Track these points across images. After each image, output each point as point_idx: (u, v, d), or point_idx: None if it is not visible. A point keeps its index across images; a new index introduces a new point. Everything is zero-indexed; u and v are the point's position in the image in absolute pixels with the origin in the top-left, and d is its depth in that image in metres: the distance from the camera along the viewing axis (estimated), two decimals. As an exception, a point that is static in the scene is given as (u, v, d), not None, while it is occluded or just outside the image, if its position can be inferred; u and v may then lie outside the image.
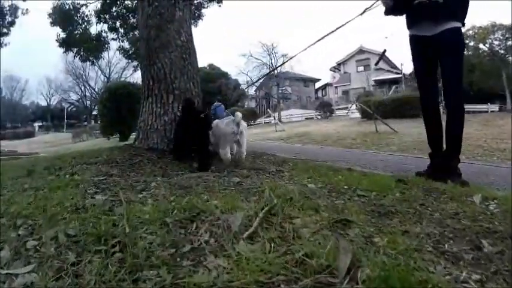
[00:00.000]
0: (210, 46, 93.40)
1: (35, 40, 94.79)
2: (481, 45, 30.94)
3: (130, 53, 14.82)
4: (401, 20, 4.13)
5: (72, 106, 73.04)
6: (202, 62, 71.70)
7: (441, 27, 3.65)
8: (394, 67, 43.70)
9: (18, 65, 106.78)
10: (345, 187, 2.77)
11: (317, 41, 4.46)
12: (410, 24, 4.04)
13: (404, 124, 16.86)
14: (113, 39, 14.30)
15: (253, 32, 72.34)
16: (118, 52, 15.88)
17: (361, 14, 4.12)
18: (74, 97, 71.56)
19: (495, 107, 30.50)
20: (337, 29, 4.27)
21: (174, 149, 4.49)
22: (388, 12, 4.12)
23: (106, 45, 14.59)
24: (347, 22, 4.24)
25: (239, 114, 4.23)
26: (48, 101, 78.39)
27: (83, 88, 67.97)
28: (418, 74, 4.15)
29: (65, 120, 67.01)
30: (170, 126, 4.91)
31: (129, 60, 17.74)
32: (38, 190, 2.68)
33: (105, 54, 17.65)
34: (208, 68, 52.01)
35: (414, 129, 14.43)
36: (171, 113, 4.98)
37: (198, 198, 2.21)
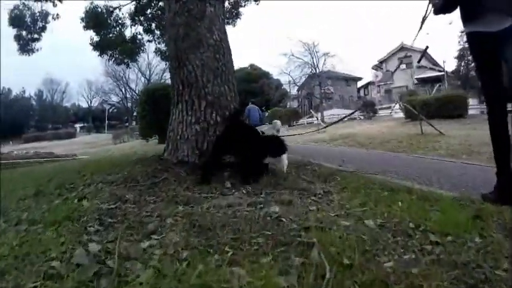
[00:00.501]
0: (251, 46, 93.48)
1: (68, 44, 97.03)
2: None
3: (167, 54, 14.43)
4: (443, 16, 3.58)
5: (113, 108, 74.66)
6: (243, 62, 72.29)
7: (508, 22, 2.96)
8: (436, 64, 41.89)
9: (59, 68, 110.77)
10: (411, 225, 2.27)
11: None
12: (468, 20, 3.32)
13: (449, 125, 16.14)
14: (148, 41, 14.21)
15: (294, 30, 71.55)
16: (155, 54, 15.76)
17: (421, 27, 4.19)
18: (114, 99, 73.24)
19: None
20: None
21: (205, 165, 3.87)
22: (437, 11, 3.62)
23: (142, 48, 14.45)
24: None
25: (278, 122, 3.80)
26: (89, 102, 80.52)
27: (123, 90, 69.27)
28: (483, 77, 3.38)
29: (106, 122, 68.52)
30: (202, 137, 4.41)
31: (167, 62, 17.42)
32: (33, 224, 2.29)
33: (144, 56, 17.57)
34: (249, 68, 51.83)
35: (460, 132, 14.13)
36: (203, 121, 4.47)
37: (215, 268, 1.60)
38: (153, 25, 13.45)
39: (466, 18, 3.35)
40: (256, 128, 4.67)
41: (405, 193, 3.21)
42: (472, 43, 3.40)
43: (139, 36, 13.65)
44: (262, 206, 2.65)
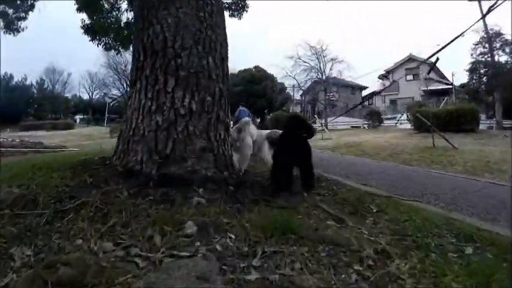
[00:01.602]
0: (256, 47, 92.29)
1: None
2: None
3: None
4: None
5: (114, 101, 73.44)
6: (248, 63, 71.21)
7: None
8: (444, 77, 41.32)
9: (65, 55, 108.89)
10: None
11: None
12: None
13: (460, 139, 15.43)
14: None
15: (302, 33, 70.48)
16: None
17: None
18: (114, 92, 71.97)
19: None
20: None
21: (275, 176, 3.47)
22: None
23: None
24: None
25: (244, 120, 4.18)
26: (90, 95, 79.22)
27: (124, 85, 68.13)
28: None
29: (106, 115, 67.25)
30: (165, 134, 3.07)
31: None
32: None
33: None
34: (254, 69, 50.98)
35: (473, 146, 13.83)
36: (169, 109, 3.12)
37: None
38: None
39: None
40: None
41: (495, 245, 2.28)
42: None
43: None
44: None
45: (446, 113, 19.74)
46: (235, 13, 12.88)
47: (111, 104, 72.63)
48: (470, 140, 16.05)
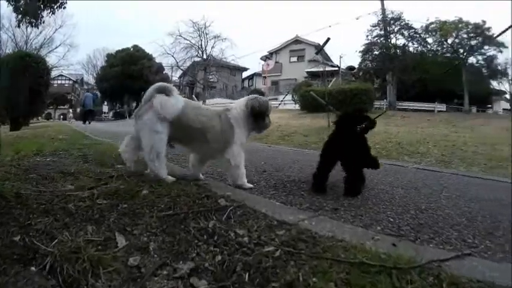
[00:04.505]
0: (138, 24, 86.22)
1: None
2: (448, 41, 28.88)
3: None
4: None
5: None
6: (127, 42, 65.57)
7: None
8: (329, 59, 41.33)
9: None
10: None
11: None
12: None
13: None
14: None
15: (187, 9, 65.67)
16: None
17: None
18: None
19: (442, 107, 29.65)
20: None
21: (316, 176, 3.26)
22: None
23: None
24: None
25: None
26: None
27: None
28: None
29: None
30: None
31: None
32: None
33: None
34: (132, 49, 49.51)
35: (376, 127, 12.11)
36: None
37: None
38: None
39: None
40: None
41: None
42: None
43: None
44: None
45: (339, 92, 19.21)
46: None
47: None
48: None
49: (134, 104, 47.70)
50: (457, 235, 2.32)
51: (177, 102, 2.97)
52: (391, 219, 2.57)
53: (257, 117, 3.21)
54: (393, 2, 53.58)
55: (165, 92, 2.99)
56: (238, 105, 3.28)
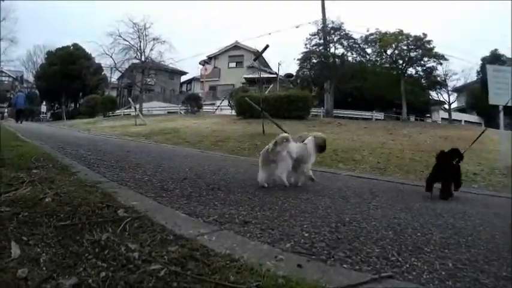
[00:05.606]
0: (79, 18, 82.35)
1: None
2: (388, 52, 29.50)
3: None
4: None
5: None
6: (66, 40, 62.21)
7: None
8: (267, 66, 41.78)
9: None
10: None
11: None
12: None
13: (292, 126, 13.94)
14: None
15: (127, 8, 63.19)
16: None
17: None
18: None
19: (380, 115, 30.21)
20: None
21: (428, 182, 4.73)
22: None
23: None
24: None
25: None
26: None
27: None
28: None
29: None
30: None
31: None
32: None
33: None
34: (72, 47, 47.21)
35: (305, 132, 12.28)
36: None
37: None
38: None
39: None
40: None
41: None
42: None
43: None
44: None
45: (276, 98, 19.18)
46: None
47: None
48: (304, 127, 15.13)
49: (72, 105, 45.67)
50: (378, 252, 2.13)
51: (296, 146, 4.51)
52: (306, 234, 2.37)
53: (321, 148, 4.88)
54: (335, 11, 54.87)
55: (288, 140, 4.38)
56: (309, 141, 4.79)
